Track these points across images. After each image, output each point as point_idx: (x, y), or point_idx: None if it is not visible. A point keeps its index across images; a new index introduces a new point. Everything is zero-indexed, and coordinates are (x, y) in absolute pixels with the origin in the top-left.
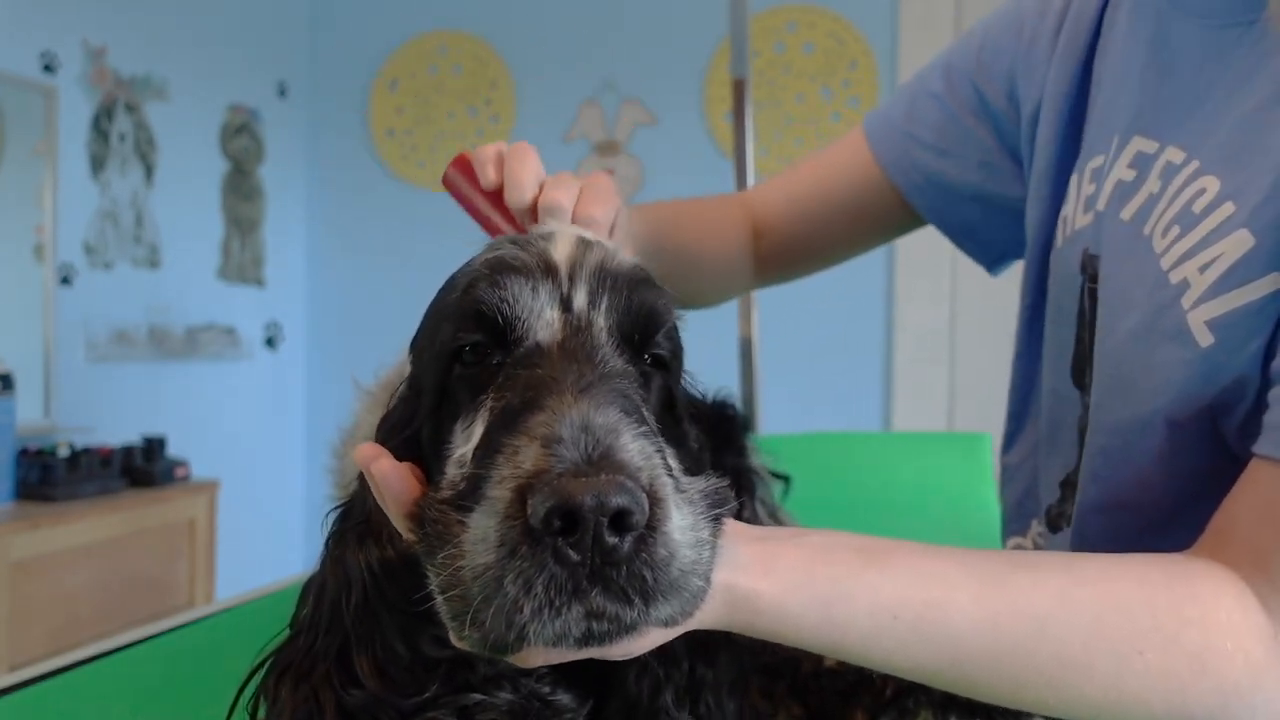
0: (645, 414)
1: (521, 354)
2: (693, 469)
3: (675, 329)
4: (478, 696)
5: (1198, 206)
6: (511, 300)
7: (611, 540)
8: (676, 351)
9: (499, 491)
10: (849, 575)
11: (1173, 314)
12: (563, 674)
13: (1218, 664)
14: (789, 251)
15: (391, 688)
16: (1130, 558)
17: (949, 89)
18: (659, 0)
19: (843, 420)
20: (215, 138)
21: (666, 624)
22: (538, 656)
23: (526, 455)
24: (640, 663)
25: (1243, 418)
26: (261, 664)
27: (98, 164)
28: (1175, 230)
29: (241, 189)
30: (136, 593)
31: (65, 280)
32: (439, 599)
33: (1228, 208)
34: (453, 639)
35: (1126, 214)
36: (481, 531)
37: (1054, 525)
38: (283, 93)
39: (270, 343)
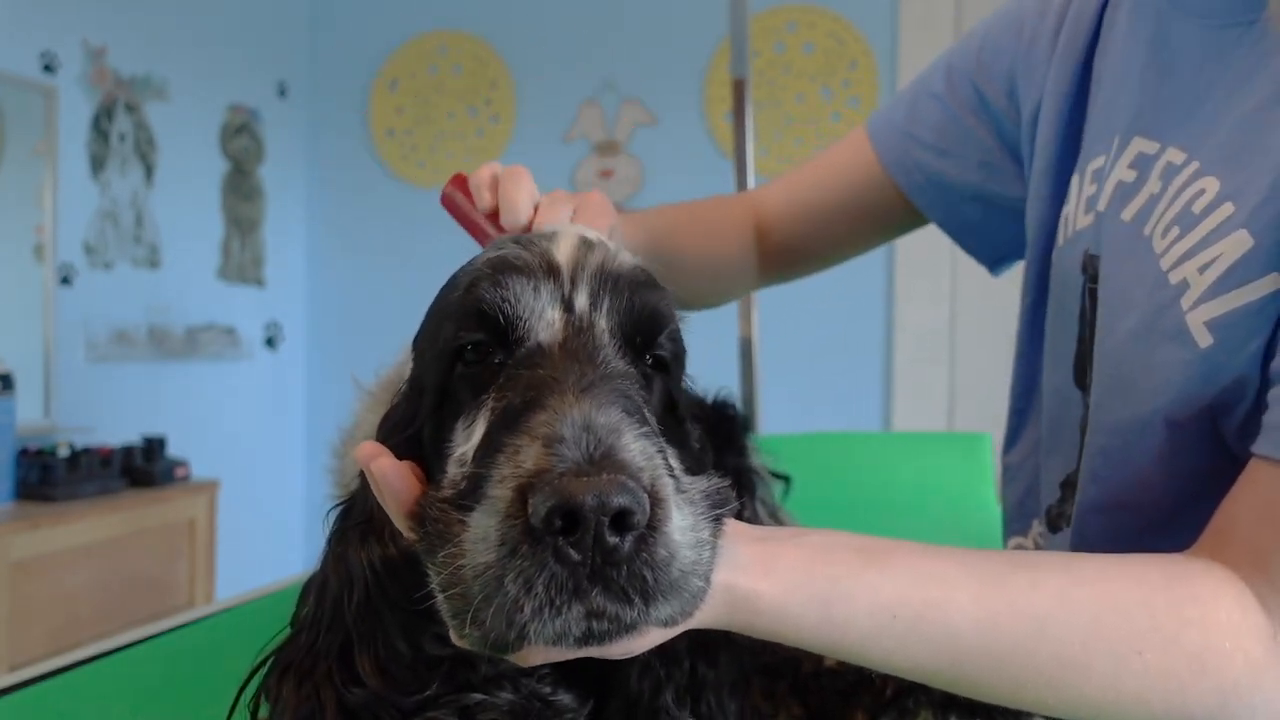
0: (647, 414)
1: (523, 354)
2: (694, 469)
3: (678, 331)
4: (479, 696)
5: (1197, 207)
6: (513, 300)
7: (612, 540)
8: (679, 353)
9: (500, 491)
10: (849, 575)
11: (1172, 314)
12: (564, 674)
13: (1217, 664)
14: (792, 250)
15: (393, 686)
16: (1129, 558)
17: (950, 89)
18: (659, 0)
19: (843, 420)
20: (215, 138)
21: (666, 624)
22: (538, 655)
23: (528, 455)
24: (641, 662)
25: (1242, 418)
26: (262, 663)
27: (98, 164)
28: (1175, 231)
29: (241, 189)
30: (136, 593)
31: (65, 280)
32: (440, 597)
33: (1227, 208)
34: (453, 637)
35: (1127, 214)
36: (482, 531)
37: (1054, 525)
38: (283, 93)
39: (270, 343)
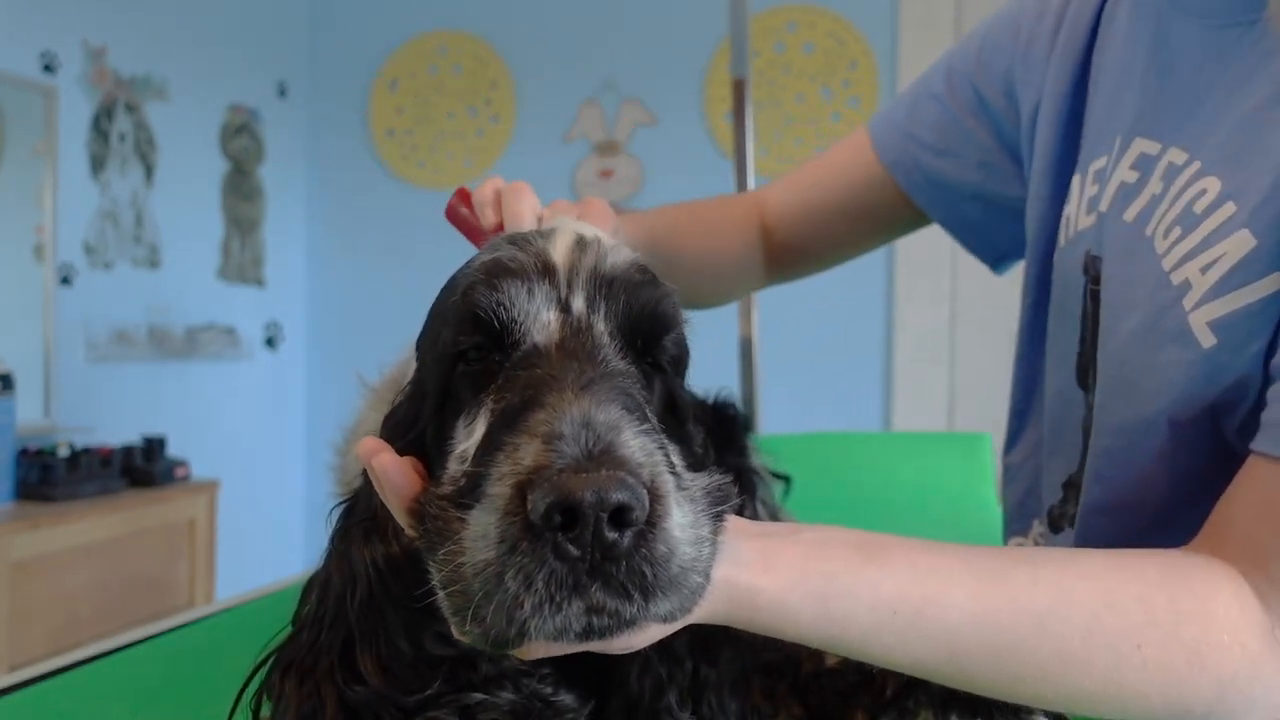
0: (647, 412)
1: (520, 356)
2: (696, 468)
3: (681, 333)
4: (479, 696)
5: (1199, 207)
6: (508, 304)
7: (611, 536)
8: (681, 354)
9: (499, 488)
10: (848, 571)
11: (1174, 315)
12: (564, 674)
13: (1215, 657)
14: (795, 250)
15: (394, 685)
16: (1128, 553)
17: (949, 90)
18: (659, 0)
19: (843, 420)
20: (215, 138)
21: (666, 619)
22: (539, 650)
23: (527, 452)
24: (643, 662)
25: (1244, 417)
26: (263, 662)
27: (98, 164)
28: (1177, 231)
29: (241, 189)
30: (136, 593)
31: (65, 280)
32: (441, 594)
33: (1229, 208)
34: (455, 633)
35: (1129, 215)
36: (482, 528)
37: (1055, 525)
38: (283, 93)
39: (270, 343)
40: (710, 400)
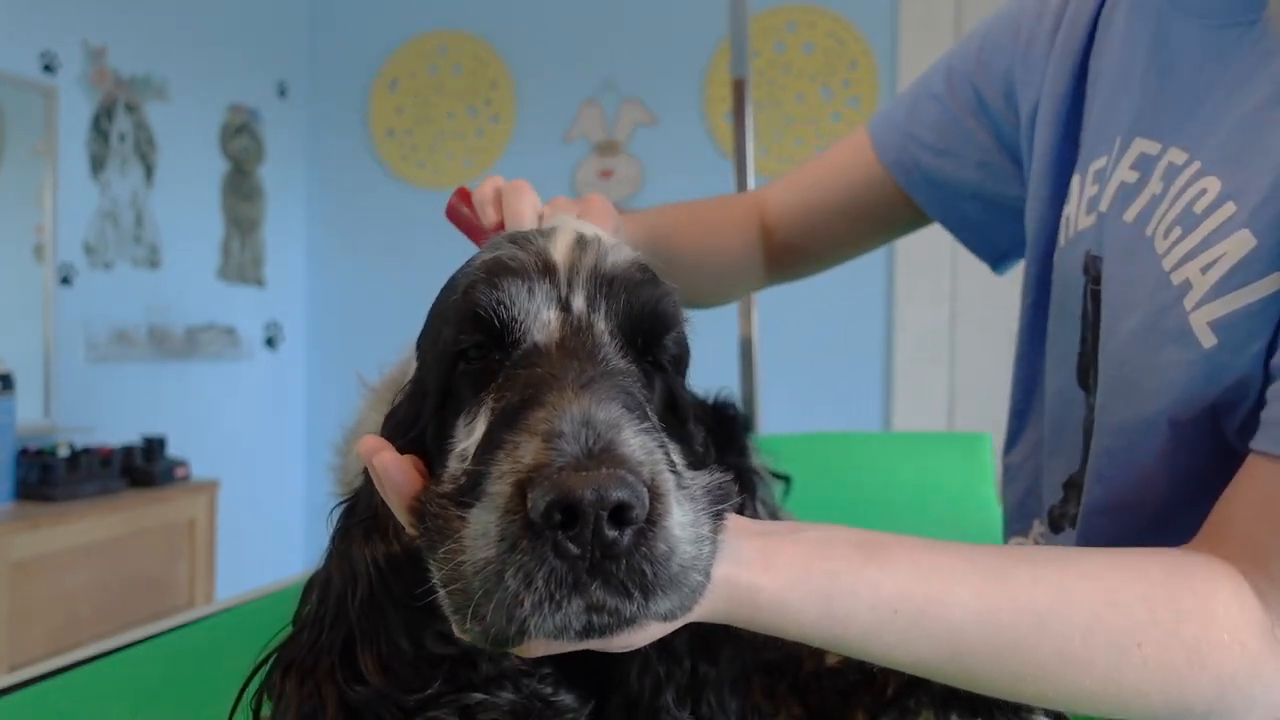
0: (648, 411)
1: (520, 355)
2: (696, 467)
3: (682, 332)
4: (480, 696)
5: (1199, 207)
6: (508, 303)
7: (611, 534)
8: (682, 353)
9: (499, 487)
10: (849, 570)
11: (1175, 315)
12: (565, 674)
13: (1215, 656)
14: (795, 250)
15: (395, 684)
16: (1129, 552)
17: (949, 90)
18: (659, 0)
19: (843, 420)
20: (215, 138)
21: (666, 618)
22: (539, 648)
23: (527, 450)
24: (642, 661)
25: (1245, 417)
26: (264, 661)
27: (98, 164)
28: (1177, 231)
29: (241, 189)
30: (136, 593)
31: (65, 280)
32: (441, 592)
33: (1229, 208)
34: (455, 631)
35: (1129, 215)
36: (482, 527)
37: (1056, 525)
38: (283, 93)
39: (270, 343)
40: (710, 400)
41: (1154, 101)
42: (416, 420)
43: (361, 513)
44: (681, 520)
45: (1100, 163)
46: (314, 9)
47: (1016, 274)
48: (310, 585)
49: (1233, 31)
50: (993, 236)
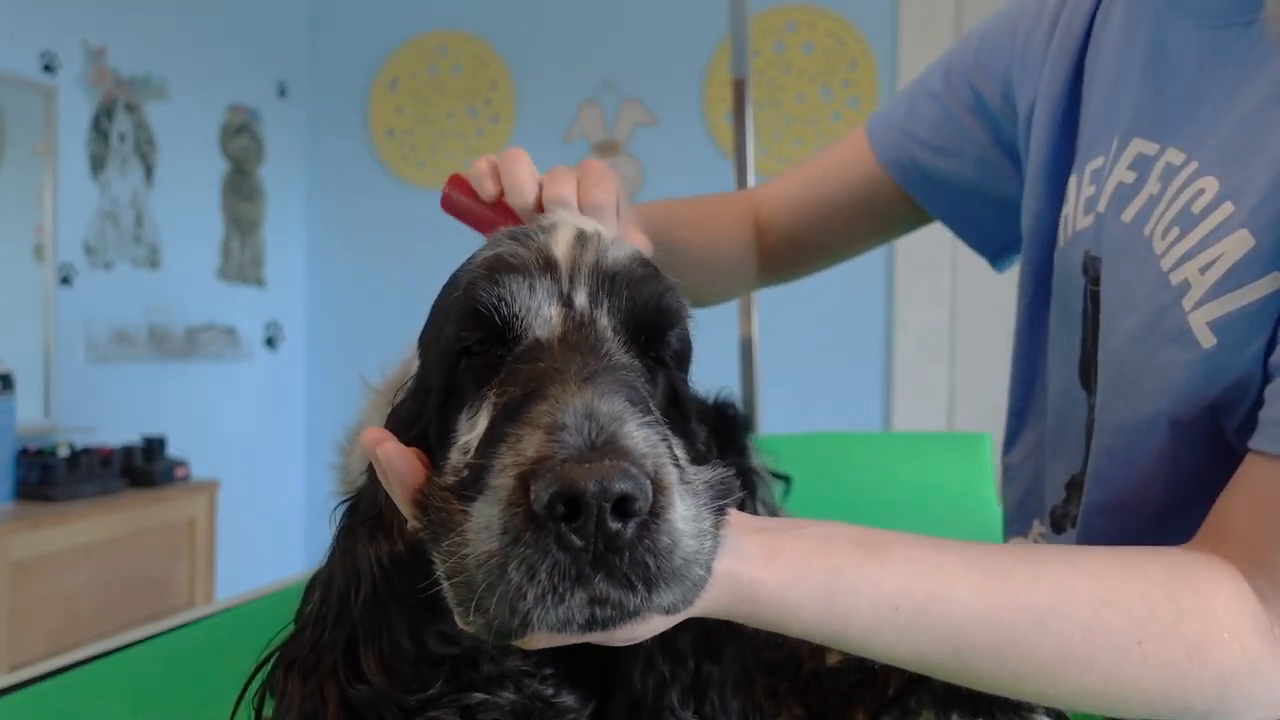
0: (651, 405)
1: (522, 350)
2: (698, 464)
3: (685, 328)
4: (481, 696)
5: (1197, 207)
6: (509, 299)
7: (614, 526)
8: (685, 349)
9: (502, 480)
10: (850, 567)
11: (1174, 315)
12: (566, 675)
13: (1216, 653)
14: (792, 249)
15: (396, 684)
16: (1129, 551)
17: (947, 89)
18: (659, 0)
19: (843, 420)
20: (215, 138)
21: (669, 611)
22: (541, 641)
23: (529, 443)
24: (645, 661)
25: (1244, 417)
26: (266, 660)
27: (98, 164)
28: (1175, 231)
29: (241, 189)
30: (136, 593)
31: (65, 280)
32: (444, 585)
33: (1227, 208)
34: (458, 623)
35: (1127, 215)
36: (485, 519)
37: (1058, 525)
38: (283, 93)
39: (270, 343)
40: (710, 400)
41: (1151, 102)
42: (420, 417)
43: (365, 511)
44: (684, 514)
45: (1097, 163)
46: (314, 9)
47: (1016, 274)
48: (313, 583)
49: (1230, 32)
50: (992, 233)
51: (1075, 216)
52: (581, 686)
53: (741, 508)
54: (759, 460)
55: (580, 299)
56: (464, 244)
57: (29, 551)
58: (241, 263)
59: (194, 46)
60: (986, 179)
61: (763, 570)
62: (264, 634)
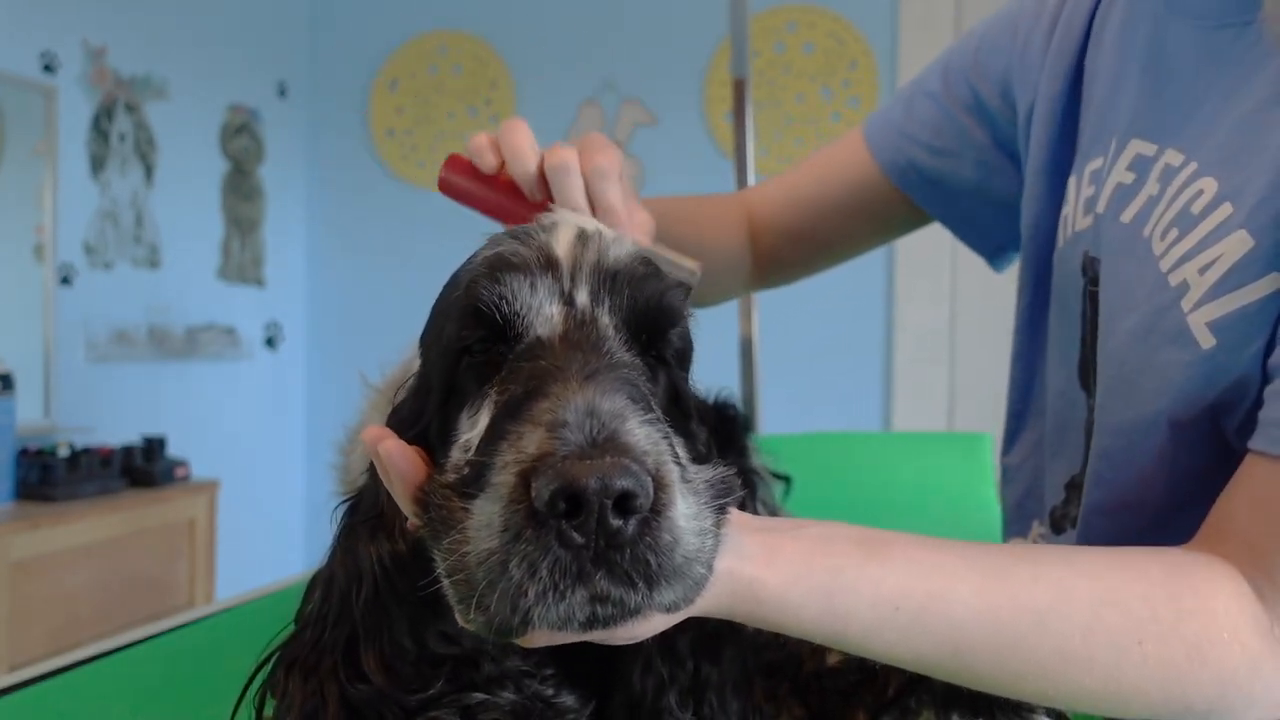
0: (652, 403)
1: (523, 348)
2: (699, 463)
3: (686, 327)
4: (481, 696)
5: (1196, 208)
6: (510, 297)
7: (616, 523)
8: (686, 348)
9: (503, 477)
10: (851, 566)
11: (1173, 316)
12: (566, 675)
13: (1216, 654)
14: (787, 252)
15: (397, 684)
16: (1129, 551)
17: (945, 89)
18: (659, 0)
19: (843, 420)
20: (215, 138)
21: (670, 609)
22: (542, 639)
23: (531, 440)
24: (645, 662)
25: (1244, 417)
26: (266, 660)
27: (98, 164)
28: (1174, 232)
29: (241, 189)
30: (136, 593)
31: (65, 280)
32: (445, 582)
33: (1226, 209)
34: (459, 620)
35: (1126, 216)
36: (485, 517)
37: (1058, 526)
38: (283, 93)
39: (270, 343)
40: (711, 400)
41: (1150, 103)
42: (421, 415)
43: (366, 511)
44: (686, 511)
45: (1096, 164)
46: (314, 9)
47: (1016, 274)
48: (313, 583)
49: (1228, 32)
50: (991, 232)
51: (1074, 217)
52: (581, 687)
53: (741, 508)
54: (759, 460)
55: (582, 297)
56: (464, 244)
57: (29, 551)
58: (241, 263)
59: (194, 46)
60: (985, 179)
61: (763, 570)
62: (264, 634)
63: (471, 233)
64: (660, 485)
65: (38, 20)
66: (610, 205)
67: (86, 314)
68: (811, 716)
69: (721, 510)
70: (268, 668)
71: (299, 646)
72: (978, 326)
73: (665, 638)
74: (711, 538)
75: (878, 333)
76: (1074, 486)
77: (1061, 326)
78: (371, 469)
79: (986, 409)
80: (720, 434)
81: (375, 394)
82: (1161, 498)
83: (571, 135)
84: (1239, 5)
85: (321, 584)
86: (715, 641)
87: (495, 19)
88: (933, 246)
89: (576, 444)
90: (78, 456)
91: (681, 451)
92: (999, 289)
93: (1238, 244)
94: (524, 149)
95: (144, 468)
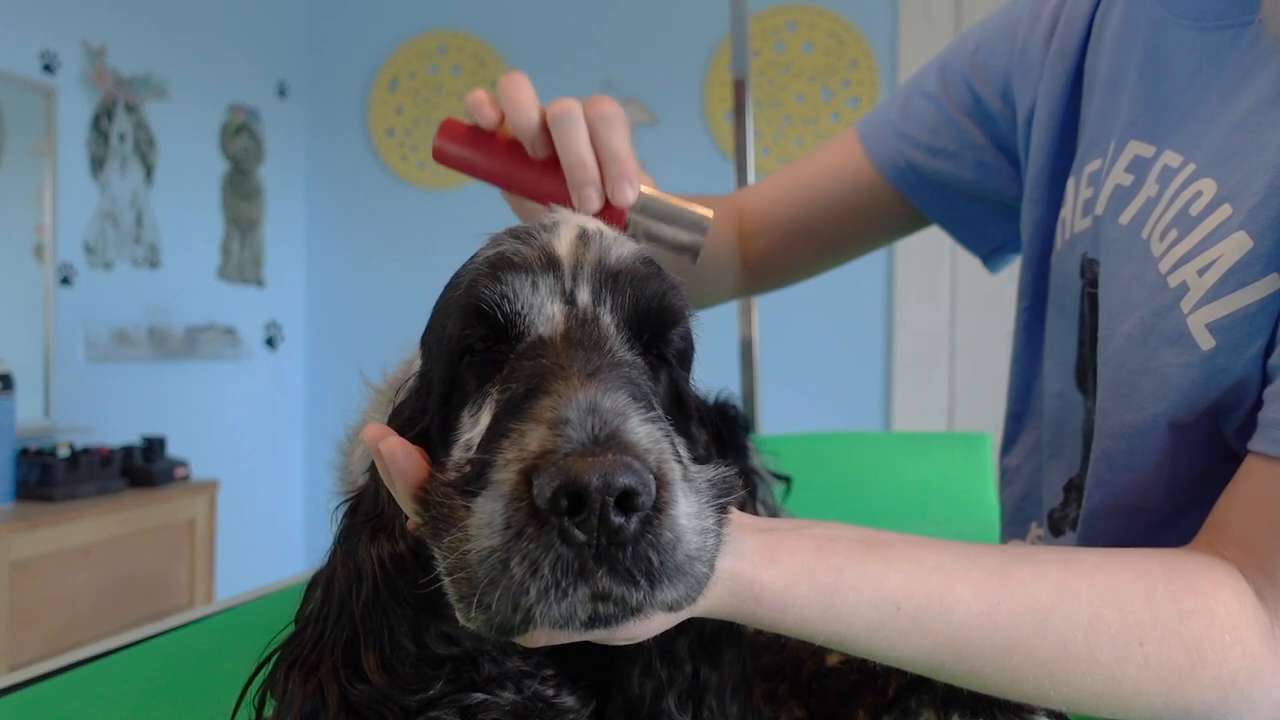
0: (654, 402)
1: (525, 347)
2: (700, 463)
3: (688, 327)
4: (481, 696)
5: (1195, 209)
6: (512, 296)
7: (618, 520)
8: (687, 348)
9: (504, 475)
10: (852, 566)
11: (1173, 317)
12: (566, 675)
13: (1216, 655)
14: (777, 255)
15: (397, 684)
16: (1130, 552)
17: (944, 90)
18: (659, 0)
19: (843, 420)
20: (215, 138)
21: (671, 608)
22: (543, 638)
23: (532, 438)
24: (644, 664)
25: (1244, 418)
26: (266, 660)
27: (98, 164)
28: (1173, 233)
29: (241, 189)
30: (136, 593)
31: (65, 280)
32: (446, 580)
33: (1225, 210)
34: (460, 619)
35: (1125, 218)
36: (487, 515)
37: (1056, 528)
38: (283, 93)
39: (270, 343)
40: (711, 400)
41: (1148, 104)
42: (422, 414)
43: (366, 511)
44: (687, 510)
45: (1095, 165)
46: (314, 9)
47: (1016, 274)
48: (314, 583)
49: (1226, 34)
50: (989, 233)
51: (1073, 219)
52: (581, 687)
53: (741, 508)
54: (759, 461)
55: (583, 296)
56: (465, 243)
57: (29, 551)
58: (241, 263)
59: (194, 46)
60: (985, 180)
61: (764, 570)
62: (264, 634)
63: (472, 232)
64: (662, 483)
65: (38, 20)
66: (616, 152)
67: (86, 314)
68: (811, 717)
69: (723, 510)
70: (268, 668)
71: (299, 646)
72: (978, 326)
73: (664, 640)
74: (713, 537)
75: (878, 333)
76: (1072, 488)
77: (1059, 329)
78: (372, 468)
79: (986, 409)
80: (720, 434)
81: (376, 394)
82: (1162, 499)
83: None
84: (1236, 6)
85: (322, 584)
86: (714, 644)
87: (495, 19)
88: (933, 246)
89: (578, 441)
90: (78, 456)
91: (683, 451)
92: (999, 289)
93: (1237, 245)
94: (525, 101)
95: (144, 468)
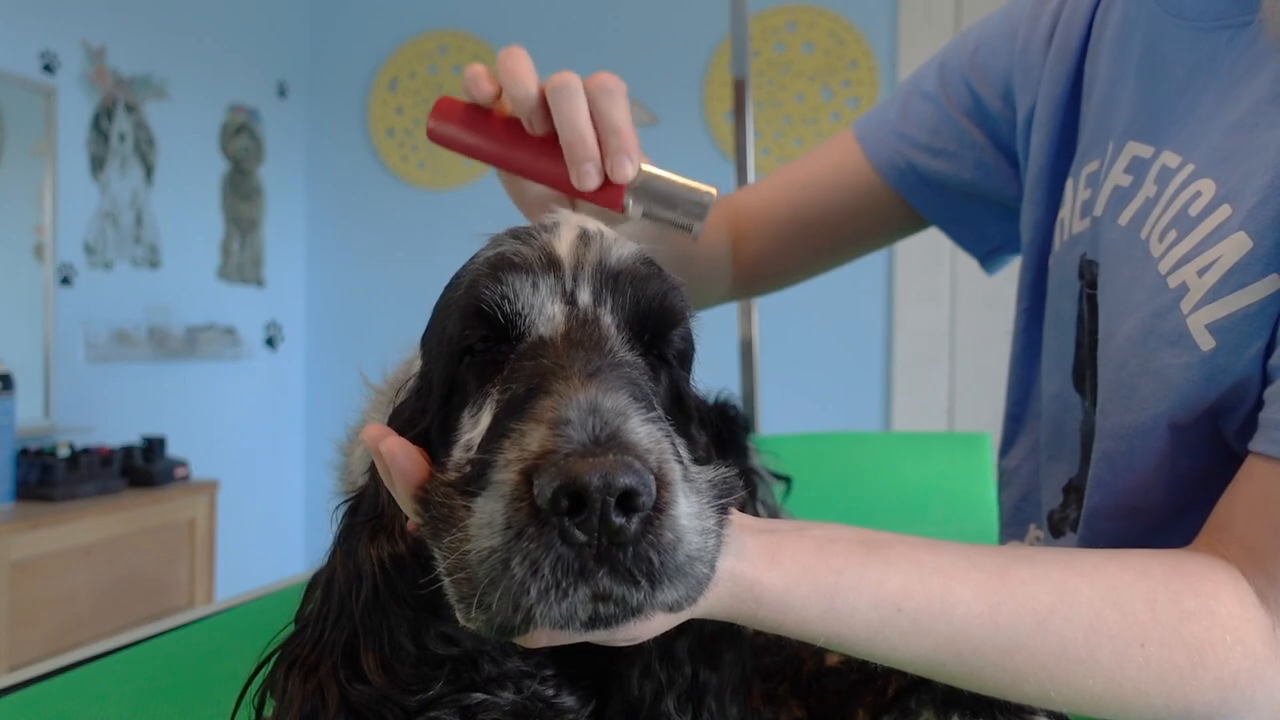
0: (654, 402)
1: (525, 348)
2: (701, 464)
3: (689, 328)
4: (480, 696)
5: (1194, 209)
6: (512, 297)
7: (618, 521)
8: (688, 349)
9: (505, 475)
10: (853, 567)
11: (1172, 318)
12: (566, 676)
13: (1217, 656)
14: (773, 257)
15: (397, 684)
16: (1130, 552)
17: (943, 90)
18: (659, 0)
19: (843, 420)
20: (215, 138)
21: (672, 608)
22: (543, 638)
23: (533, 438)
24: (643, 666)
25: (1244, 419)
26: (266, 660)
27: (98, 164)
28: (1173, 234)
29: (241, 189)
30: (136, 593)
31: (65, 280)
32: (446, 581)
33: (1224, 210)
34: (460, 619)
35: (1124, 219)
36: (487, 515)
37: (1056, 530)
38: (283, 93)
39: (270, 343)
40: (711, 400)
41: (1146, 105)
42: (422, 415)
43: (366, 511)
44: (688, 510)
45: (1093, 166)
46: (314, 9)
47: (1016, 275)
48: (314, 583)
49: (1224, 34)
50: (987, 234)
51: (1071, 221)
52: (581, 688)
53: (742, 509)
54: (759, 461)
55: (584, 297)
56: (465, 243)
57: (29, 551)
58: (241, 263)
59: (194, 46)
60: (984, 180)
61: (765, 571)
62: (264, 634)
63: (472, 232)
64: (663, 483)
65: (38, 20)
66: (616, 124)
67: (86, 314)
68: (811, 717)
69: (723, 510)
70: (267, 668)
71: (299, 647)
72: (978, 327)
73: (664, 641)
74: (714, 537)
75: (878, 333)
76: (1071, 490)
77: (1057, 330)
78: (372, 468)
79: (986, 409)
80: (721, 435)
81: (376, 394)
82: (1162, 501)
83: None
84: (1235, 7)
85: (321, 584)
86: (714, 645)
87: (495, 19)
88: (932, 247)
89: (579, 441)
90: (78, 456)
91: (683, 451)
92: (999, 290)
93: (1237, 245)
94: (523, 73)
95: (144, 468)
